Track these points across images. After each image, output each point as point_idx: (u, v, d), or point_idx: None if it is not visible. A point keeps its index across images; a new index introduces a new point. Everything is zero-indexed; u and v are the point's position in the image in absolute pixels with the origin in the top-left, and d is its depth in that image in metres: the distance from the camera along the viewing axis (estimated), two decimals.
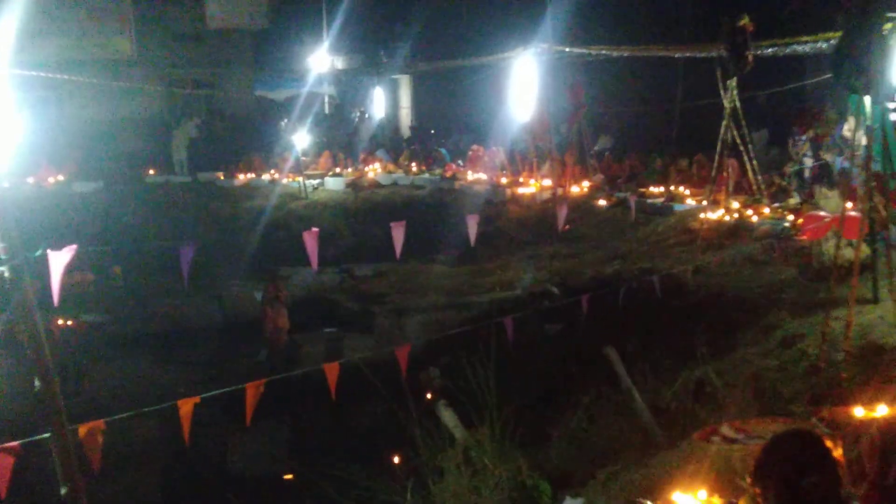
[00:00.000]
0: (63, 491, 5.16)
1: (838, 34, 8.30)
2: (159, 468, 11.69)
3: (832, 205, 12.00)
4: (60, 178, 24.24)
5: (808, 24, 15.46)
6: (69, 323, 15.03)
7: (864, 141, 8.95)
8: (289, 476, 10.80)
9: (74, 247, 6.74)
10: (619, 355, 8.49)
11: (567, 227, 16.85)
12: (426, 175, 24.61)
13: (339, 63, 35.09)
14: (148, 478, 11.54)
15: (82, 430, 6.01)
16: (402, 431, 7.50)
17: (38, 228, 15.30)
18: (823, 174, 16.15)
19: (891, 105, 8.47)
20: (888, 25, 10.08)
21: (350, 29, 32.00)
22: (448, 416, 7.38)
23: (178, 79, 29.74)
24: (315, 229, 11.26)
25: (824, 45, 14.80)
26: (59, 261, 6.59)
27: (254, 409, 7.18)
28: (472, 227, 12.22)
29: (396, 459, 9.18)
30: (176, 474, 11.39)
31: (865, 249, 9.60)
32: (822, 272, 11.22)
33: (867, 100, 8.21)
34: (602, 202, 18.26)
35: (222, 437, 11.94)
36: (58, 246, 6.58)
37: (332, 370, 7.72)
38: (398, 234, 11.10)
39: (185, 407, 6.81)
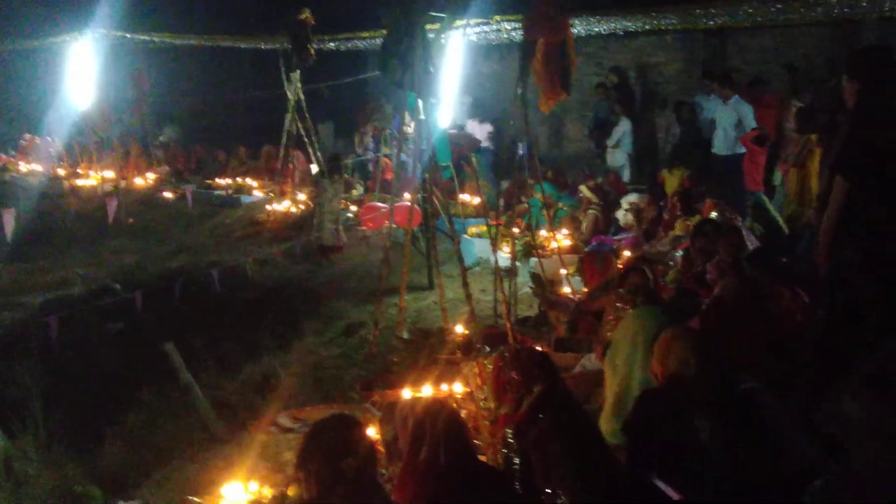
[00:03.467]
0: None
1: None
2: None
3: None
4: None
5: (369, 19, 16.05)
6: None
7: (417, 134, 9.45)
8: None
9: None
10: (187, 351, 8.26)
11: (131, 220, 16.19)
12: None
13: None
14: None
15: None
16: None
17: None
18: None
19: (434, 101, 8.93)
20: (435, 26, 10.72)
21: None
22: None
23: None
24: None
25: (381, 41, 15.48)
26: None
27: None
28: (9, 221, 11.40)
29: None
30: None
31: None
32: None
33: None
34: (168, 194, 17.76)
35: None
36: None
37: None
38: None
39: None
